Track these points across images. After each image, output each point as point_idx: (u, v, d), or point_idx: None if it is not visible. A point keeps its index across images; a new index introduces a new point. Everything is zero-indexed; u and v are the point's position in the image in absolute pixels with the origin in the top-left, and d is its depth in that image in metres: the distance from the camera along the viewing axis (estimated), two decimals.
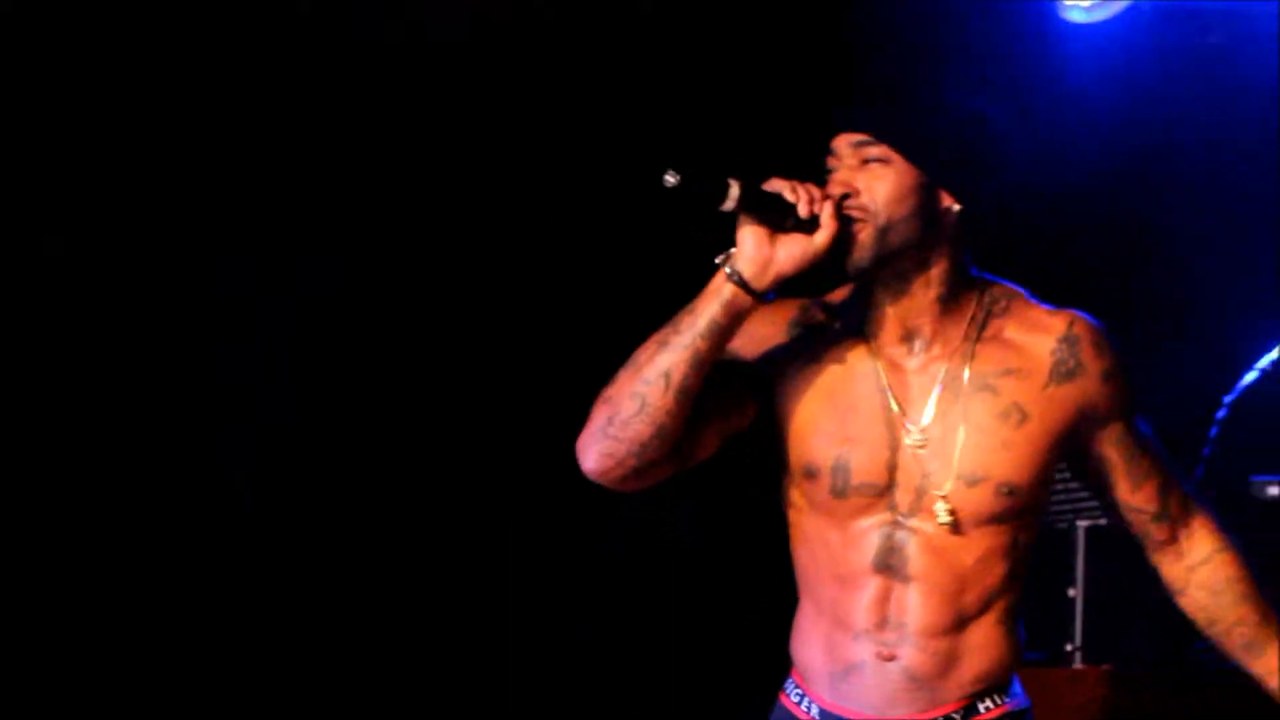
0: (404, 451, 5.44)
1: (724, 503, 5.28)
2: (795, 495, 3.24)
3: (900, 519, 3.16)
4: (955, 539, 3.15)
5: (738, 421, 3.22)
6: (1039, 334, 3.20)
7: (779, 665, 3.32)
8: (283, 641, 5.33)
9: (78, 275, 5.12)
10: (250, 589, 5.30)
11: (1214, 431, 5.01)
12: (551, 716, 5.54)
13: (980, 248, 3.23)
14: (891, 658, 3.17)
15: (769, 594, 3.45)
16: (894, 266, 3.15)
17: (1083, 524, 4.69)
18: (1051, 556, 4.62)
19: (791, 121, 3.81)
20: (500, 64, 5.41)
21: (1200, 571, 3.27)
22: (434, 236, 5.42)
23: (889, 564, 3.17)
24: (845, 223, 3.11)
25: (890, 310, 3.19)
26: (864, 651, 3.18)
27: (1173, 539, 3.28)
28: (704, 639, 5.57)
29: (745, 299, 3.08)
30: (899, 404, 3.18)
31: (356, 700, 5.43)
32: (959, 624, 3.17)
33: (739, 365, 3.21)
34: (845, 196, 3.12)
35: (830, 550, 3.20)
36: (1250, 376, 5.07)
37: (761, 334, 3.23)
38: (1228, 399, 5.05)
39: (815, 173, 3.17)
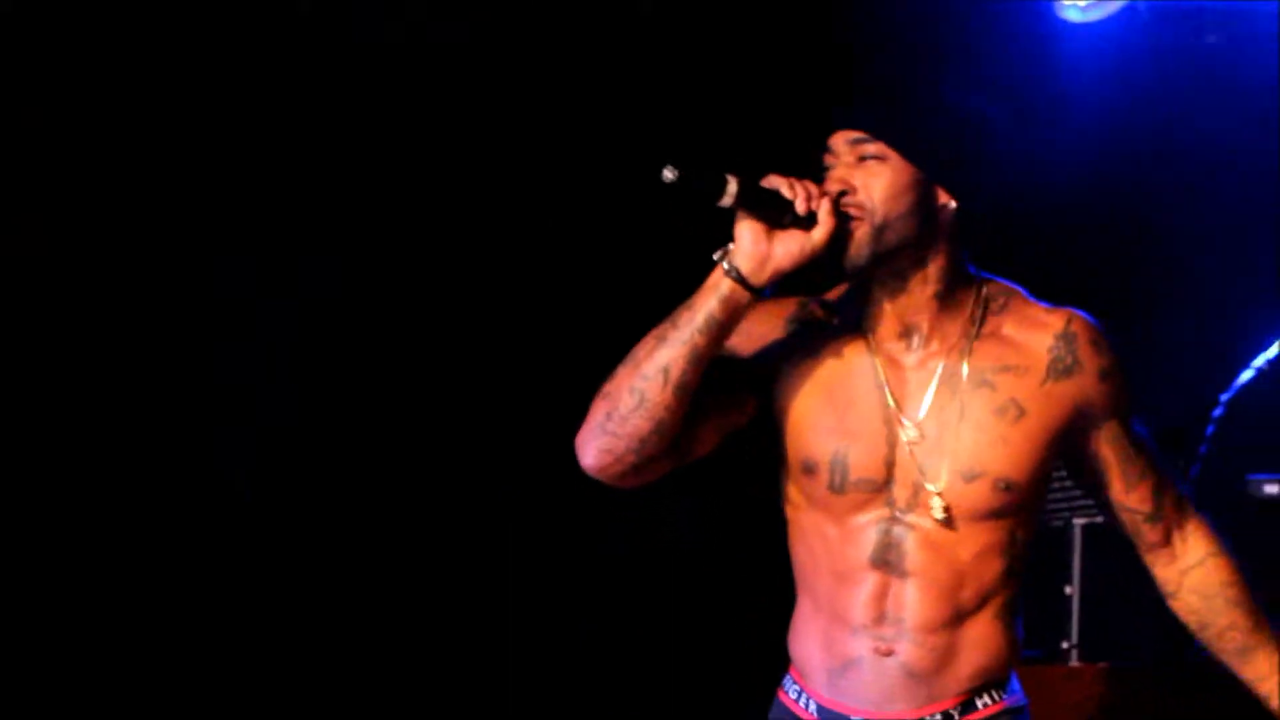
0: (404, 451, 5.44)
1: (723, 500, 5.29)
2: (793, 491, 3.24)
3: (898, 514, 3.17)
4: (953, 534, 3.16)
5: (736, 418, 3.23)
6: (1037, 331, 3.21)
7: (779, 665, 3.33)
8: (283, 642, 5.33)
9: (78, 275, 5.12)
10: (251, 589, 5.30)
11: (1211, 430, 5.01)
12: (551, 716, 5.54)
13: (978, 246, 3.24)
14: (889, 653, 3.17)
15: (769, 594, 3.45)
16: (891, 264, 3.16)
17: (1079, 522, 4.69)
18: (1048, 554, 4.62)
19: (791, 120, 3.81)
20: (500, 64, 5.41)
21: (1193, 575, 3.28)
22: (434, 236, 5.42)
23: (887, 559, 3.17)
24: (842, 220, 3.11)
25: (888, 307, 3.20)
26: (862, 647, 3.18)
27: (1166, 541, 3.28)
28: (704, 639, 5.57)
29: (743, 294, 3.09)
30: (896, 400, 3.18)
31: (356, 700, 5.43)
32: (957, 619, 3.17)
33: (738, 362, 3.22)
34: (842, 194, 3.13)
35: (828, 546, 3.20)
36: (1247, 375, 5.07)
37: (760, 331, 3.24)
38: (1225, 397, 5.05)
39: (814, 171, 3.17)
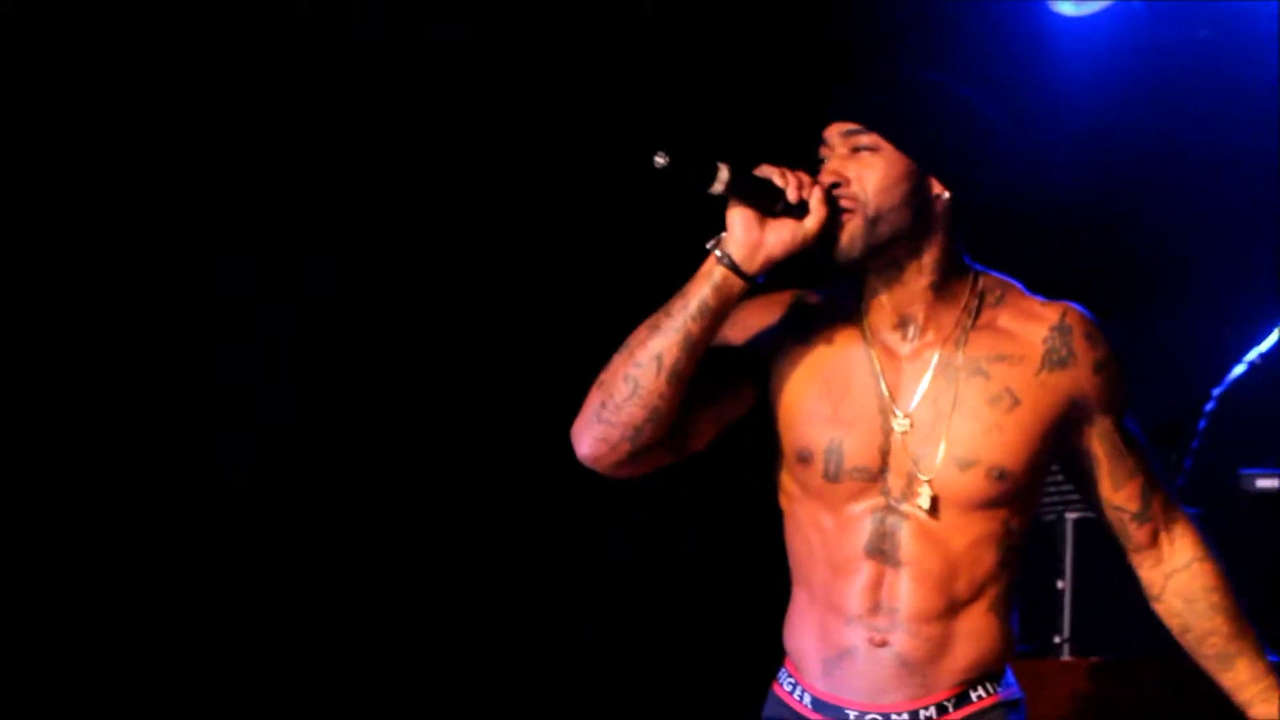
0: (404, 451, 5.44)
1: (724, 495, 5.29)
2: (789, 481, 3.25)
3: (893, 503, 3.17)
4: (947, 524, 3.16)
5: (733, 409, 3.23)
6: (1032, 323, 3.21)
7: (780, 666, 3.33)
8: (283, 642, 5.33)
9: (78, 275, 5.12)
10: (251, 589, 5.30)
11: (1203, 424, 5.01)
12: (551, 717, 5.53)
13: (974, 239, 3.24)
14: (884, 643, 3.17)
15: (771, 597, 3.44)
16: (886, 254, 3.16)
17: (1071, 516, 4.69)
18: (1040, 548, 4.62)
19: (790, 116, 3.81)
20: (500, 64, 5.41)
21: (1178, 578, 3.28)
22: (434, 236, 5.43)
23: (881, 549, 3.17)
24: (835, 211, 3.12)
25: (884, 297, 3.20)
26: (856, 637, 3.18)
27: (1153, 542, 3.28)
28: (705, 641, 5.56)
29: (736, 282, 3.09)
30: (891, 389, 3.18)
31: (356, 700, 5.43)
32: (951, 610, 3.17)
33: (734, 353, 3.23)
34: (835, 185, 3.13)
35: (824, 536, 3.20)
36: (1239, 369, 5.07)
37: (757, 322, 3.25)
38: (1216, 391, 5.05)
39: (814, 167, 3.18)
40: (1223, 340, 5.23)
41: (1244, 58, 5.46)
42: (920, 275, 3.18)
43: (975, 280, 3.23)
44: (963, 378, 3.17)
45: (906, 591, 3.16)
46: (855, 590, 3.18)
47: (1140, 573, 3.30)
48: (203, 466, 5.25)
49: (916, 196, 3.16)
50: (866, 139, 3.15)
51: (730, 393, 3.22)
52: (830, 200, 3.11)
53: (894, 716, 3.18)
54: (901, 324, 3.20)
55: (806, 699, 3.24)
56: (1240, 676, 3.26)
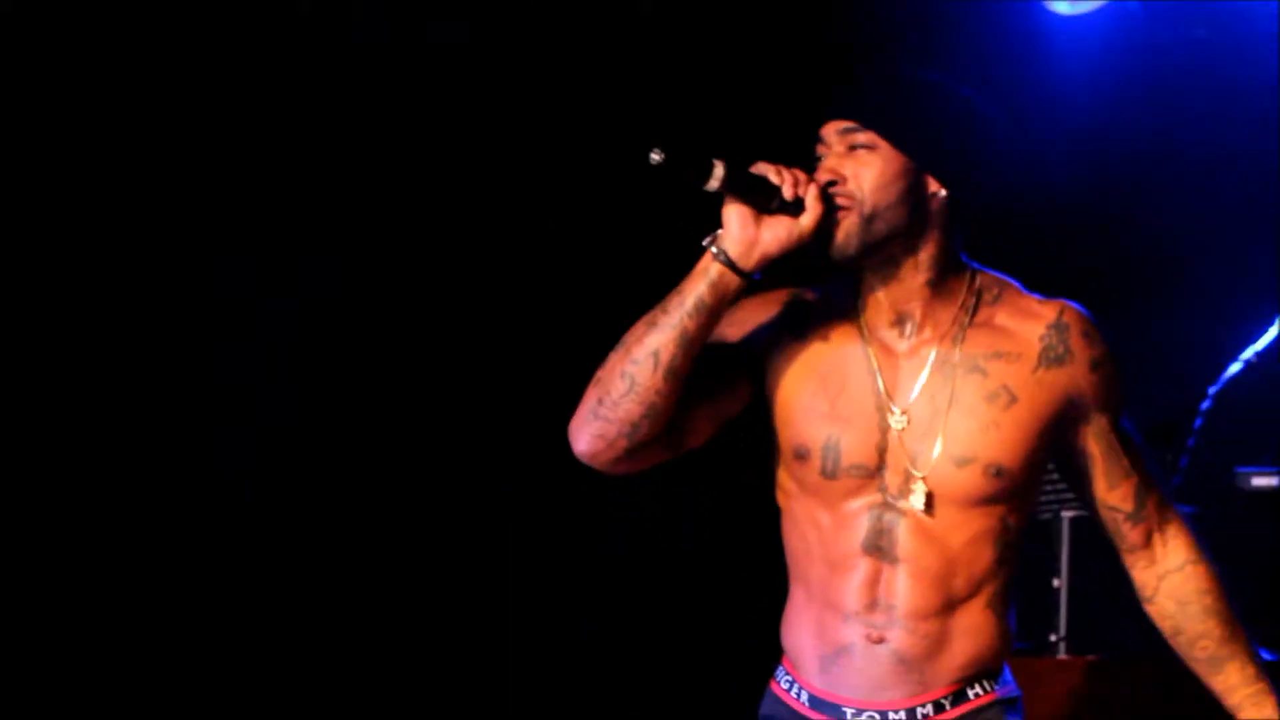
0: (404, 451, 5.44)
1: (721, 494, 5.29)
2: (786, 479, 3.25)
3: (890, 500, 3.17)
4: (944, 521, 3.16)
5: (730, 407, 3.24)
6: (1029, 321, 3.22)
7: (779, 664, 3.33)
8: (283, 642, 5.33)
9: (78, 275, 5.12)
10: (251, 589, 5.30)
11: (1199, 423, 5.02)
12: (551, 716, 5.54)
13: (971, 237, 3.24)
14: (880, 640, 3.17)
15: (768, 595, 3.45)
16: (882, 252, 3.17)
17: (1067, 515, 4.69)
18: (1036, 547, 4.62)
19: (789, 117, 3.81)
20: (500, 64, 5.41)
21: (1170, 580, 3.28)
22: (434, 236, 5.43)
23: (879, 545, 3.17)
24: (831, 208, 3.13)
25: (881, 294, 3.20)
26: (853, 634, 3.18)
27: (1146, 543, 3.29)
28: (704, 639, 5.56)
29: (732, 278, 3.09)
30: (888, 387, 3.19)
31: (357, 700, 5.43)
32: (948, 607, 3.17)
33: (730, 350, 3.23)
34: (831, 183, 3.14)
35: (821, 533, 3.21)
36: (1235, 368, 5.07)
37: (753, 320, 3.26)
38: (1212, 389, 5.06)
39: (809, 165, 3.18)
40: (1219, 339, 5.24)
41: (1240, 57, 5.47)
42: (917, 272, 3.19)
43: (972, 278, 3.23)
44: (960, 375, 3.17)
45: (904, 588, 3.17)
46: (852, 587, 3.18)
47: (1133, 574, 3.31)
48: (203, 466, 5.25)
49: (913, 194, 3.16)
50: (863, 137, 3.16)
51: (727, 390, 3.23)
52: (826, 198, 3.12)
53: (891, 714, 3.18)
54: (899, 321, 3.21)
55: (804, 696, 3.24)
56: (1231, 680, 3.27)
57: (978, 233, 3.26)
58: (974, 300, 3.22)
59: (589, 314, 5.18)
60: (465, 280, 5.46)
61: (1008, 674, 3.26)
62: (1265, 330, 5.09)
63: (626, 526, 5.54)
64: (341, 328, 5.39)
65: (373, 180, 5.37)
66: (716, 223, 3.12)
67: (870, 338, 3.21)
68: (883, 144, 3.15)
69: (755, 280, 3.14)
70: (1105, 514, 3.28)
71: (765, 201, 3.08)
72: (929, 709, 3.18)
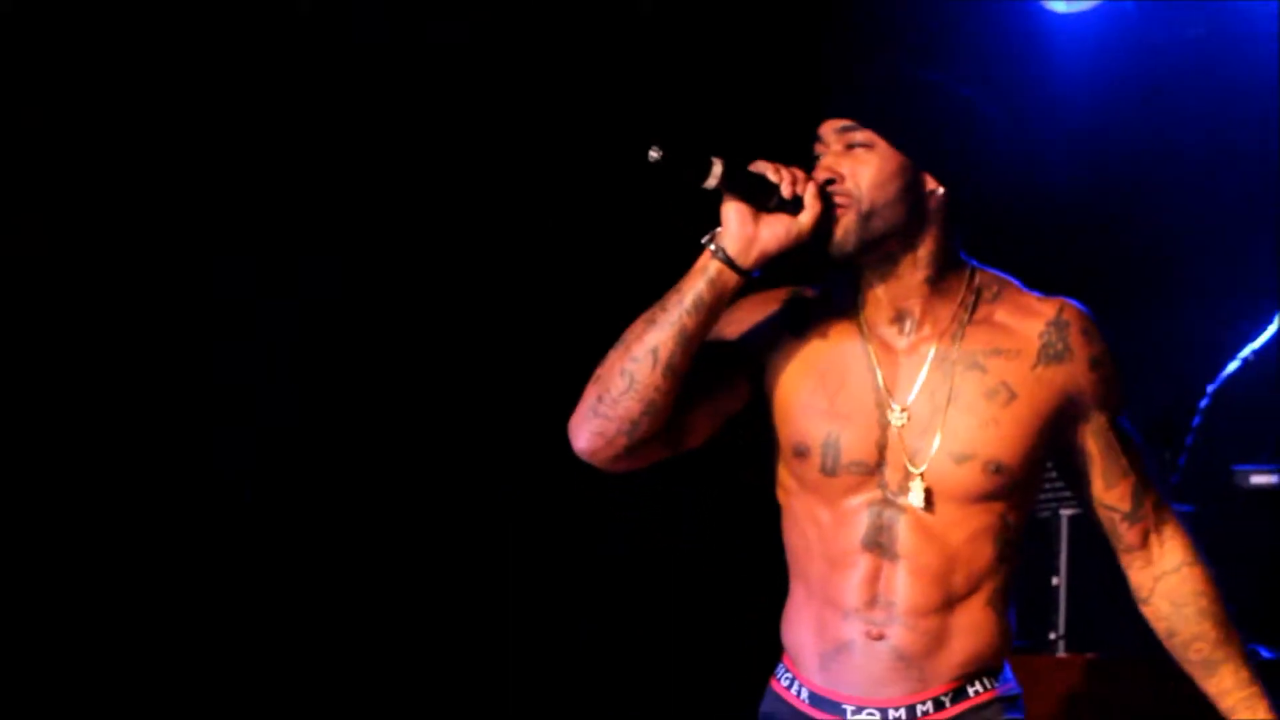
0: (404, 451, 5.44)
1: (720, 493, 5.29)
2: (786, 476, 3.26)
3: (889, 497, 3.18)
4: (944, 518, 3.16)
5: (729, 404, 3.24)
6: (1029, 318, 3.22)
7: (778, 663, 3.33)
8: (283, 642, 5.33)
9: (78, 275, 5.12)
10: (251, 589, 5.30)
11: (1197, 420, 5.02)
12: (551, 716, 5.54)
13: (971, 235, 3.25)
14: (880, 636, 3.18)
15: (767, 594, 3.45)
16: (881, 249, 3.18)
17: (1066, 513, 4.69)
18: (1035, 545, 4.62)
19: (788, 116, 3.81)
20: (500, 64, 5.42)
21: (1166, 581, 3.28)
22: (434, 236, 5.43)
23: (878, 542, 3.18)
24: (829, 207, 3.13)
25: (880, 292, 3.21)
26: (853, 630, 3.19)
27: (1143, 544, 3.29)
28: (704, 639, 5.57)
29: (731, 276, 3.10)
30: (888, 383, 3.19)
31: (357, 700, 5.43)
32: (948, 604, 3.18)
33: (730, 348, 3.24)
34: (830, 181, 3.15)
35: (821, 530, 3.21)
36: (1233, 365, 5.08)
37: (752, 318, 3.26)
38: (1211, 387, 5.06)
39: (807, 164, 3.19)
40: (1217, 337, 5.24)
41: (1236, 55, 5.47)
42: (916, 269, 3.19)
43: (972, 276, 3.24)
44: (959, 372, 3.18)
45: (903, 585, 3.17)
46: (852, 584, 3.19)
47: (1129, 574, 3.31)
48: (203, 466, 5.25)
49: (910, 192, 3.17)
50: (861, 135, 3.17)
51: (726, 388, 3.23)
52: (824, 196, 3.13)
53: (890, 711, 3.18)
54: (898, 318, 3.21)
55: (804, 694, 3.24)
56: (1224, 683, 3.27)
57: (977, 232, 3.27)
58: (973, 298, 3.22)
59: (588, 313, 5.18)
60: (465, 280, 5.46)
61: (1008, 671, 3.26)
62: (1264, 328, 5.09)
63: (626, 526, 5.54)
64: (341, 328, 5.39)
65: (373, 180, 5.37)
66: (715, 221, 3.13)
67: (870, 335, 3.22)
68: (880, 142, 3.16)
69: (754, 278, 3.14)
70: (1102, 513, 3.28)
71: (764, 200, 3.09)
72: (929, 706, 3.18)
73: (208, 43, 5.16)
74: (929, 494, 3.15)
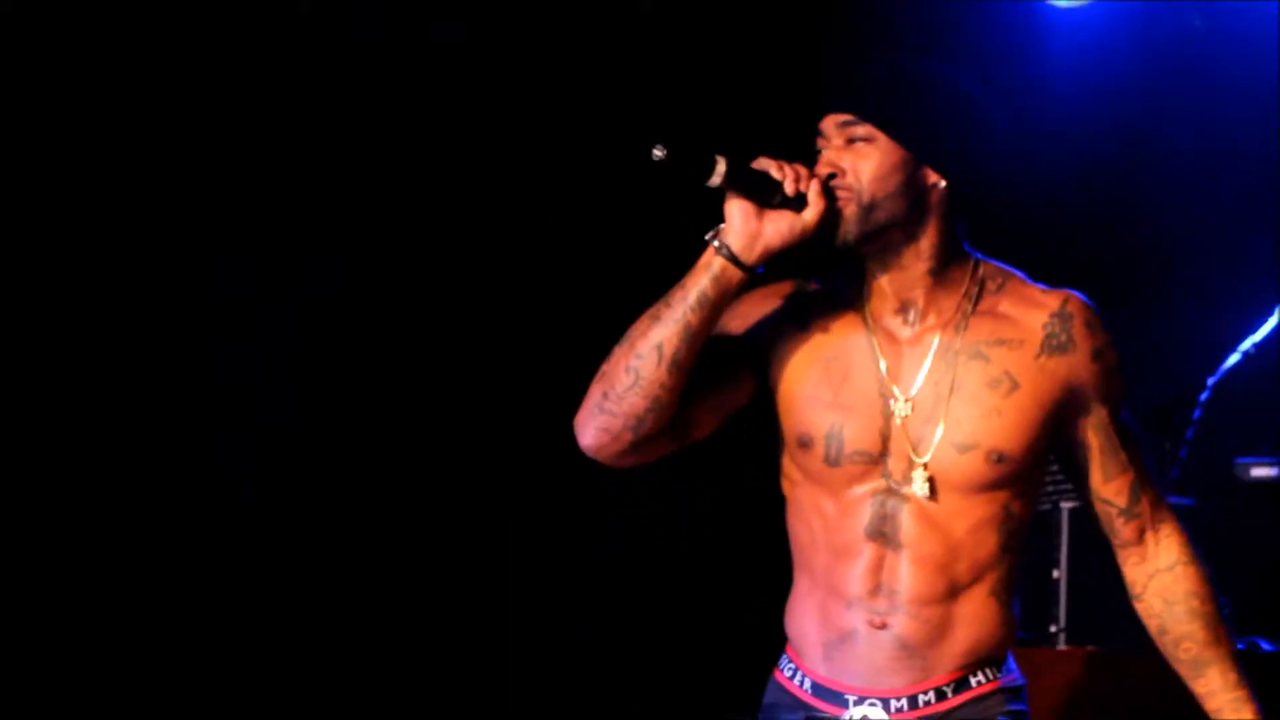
0: (404, 451, 5.44)
1: (720, 490, 5.30)
2: (791, 467, 3.27)
3: (893, 487, 3.19)
4: (947, 507, 3.17)
5: (734, 399, 3.26)
6: (1033, 309, 3.24)
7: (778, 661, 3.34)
8: (283, 642, 5.33)
9: (78, 275, 5.13)
10: (251, 589, 5.30)
11: (1198, 413, 5.03)
12: (551, 715, 5.54)
13: (973, 226, 3.26)
14: (883, 625, 3.18)
15: (767, 592, 3.46)
16: (883, 241, 3.19)
17: (1066, 506, 4.70)
18: (1036, 538, 4.62)
19: (786, 109, 3.83)
20: (500, 64, 5.42)
21: (1160, 579, 3.29)
22: (434, 236, 5.44)
23: (882, 531, 3.19)
24: (832, 201, 3.15)
25: (884, 283, 3.23)
26: (856, 619, 3.19)
27: (1139, 540, 3.29)
28: (703, 637, 5.57)
29: (735, 272, 3.12)
30: (892, 374, 3.21)
31: (357, 700, 5.43)
32: (951, 593, 3.18)
33: (735, 342, 3.25)
34: (831, 176, 3.16)
35: (825, 520, 3.22)
36: (1233, 358, 5.09)
37: (756, 312, 3.27)
38: (1211, 381, 5.07)
39: (809, 160, 3.20)
40: (1217, 330, 5.25)
41: (1237, 49, 5.48)
42: (918, 260, 3.21)
43: (975, 267, 3.25)
44: (962, 361, 3.19)
45: (906, 574, 3.18)
46: (856, 573, 3.19)
47: (1124, 569, 3.32)
48: (203, 466, 5.25)
49: (911, 185, 3.18)
50: (861, 130, 3.18)
51: (731, 382, 3.24)
52: (827, 191, 3.14)
53: (893, 701, 3.19)
54: (902, 309, 3.23)
55: (807, 684, 3.25)
56: (1212, 684, 3.27)
57: (979, 226, 3.28)
58: (977, 289, 3.24)
59: (590, 312, 5.19)
60: (465, 279, 5.47)
61: (1012, 662, 3.27)
62: (1264, 321, 5.10)
63: (625, 524, 5.55)
64: (341, 328, 5.40)
65: (373, 180, 5.38)
66: (718, 220, 3.14)
67: (875, 326, 3.23)
68: (881, 136, 3.17)
69: (758, 275, 3.16)
70: (1100, 507, 3.29)
71: (767, 196, 3.11)
72: (931, 696, 3.19)
73: (208, 43, 5.17)
74: (932, 483, 3.16)
